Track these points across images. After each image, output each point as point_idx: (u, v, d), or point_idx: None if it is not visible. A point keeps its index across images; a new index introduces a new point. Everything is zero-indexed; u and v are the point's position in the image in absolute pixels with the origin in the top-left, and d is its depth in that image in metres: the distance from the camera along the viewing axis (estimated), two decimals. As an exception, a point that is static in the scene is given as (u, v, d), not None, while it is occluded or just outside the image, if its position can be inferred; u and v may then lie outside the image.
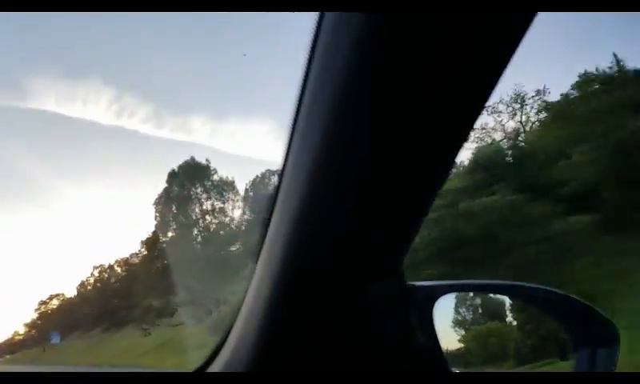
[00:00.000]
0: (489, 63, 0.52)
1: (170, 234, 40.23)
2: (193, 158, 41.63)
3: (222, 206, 41.33)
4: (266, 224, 0.80)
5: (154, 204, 41.37)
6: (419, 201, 0.66)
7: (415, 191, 0.64)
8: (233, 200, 41.25)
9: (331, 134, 0.59)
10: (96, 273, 76.65)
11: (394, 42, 0.50)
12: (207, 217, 40.32)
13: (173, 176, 41.20)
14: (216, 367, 0.97)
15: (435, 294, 0.88)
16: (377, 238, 0.69)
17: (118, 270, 71.18)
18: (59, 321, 67.97)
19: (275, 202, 0.76)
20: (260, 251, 0.84)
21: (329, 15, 0.56)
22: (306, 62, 0.62)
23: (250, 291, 0.87)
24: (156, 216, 42.04)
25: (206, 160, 42.67)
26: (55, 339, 40.20)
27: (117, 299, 50.06)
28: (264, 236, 0.81)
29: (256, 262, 0.86)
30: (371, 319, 0.76)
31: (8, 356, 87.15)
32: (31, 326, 78.90)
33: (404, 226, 0.69)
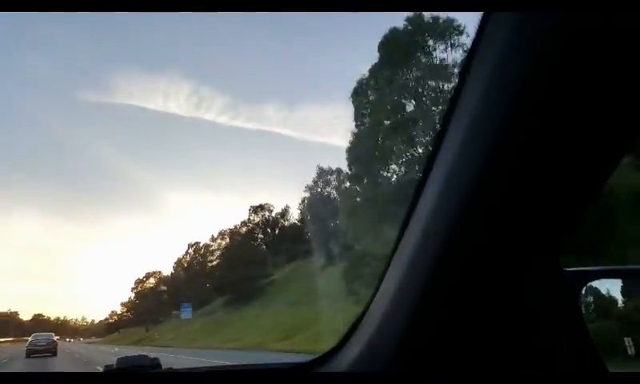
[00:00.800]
0: None
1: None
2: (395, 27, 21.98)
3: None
4: (407, 220, 0.80)
5: (351, 96, 23.23)
6: (586, 192, 0.66)
7: (582, 183, 0.64)
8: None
9: (506, 130, 0.60)
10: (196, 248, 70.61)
11: (578, 42, 0.52)
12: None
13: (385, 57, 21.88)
14: (342, 365, 0.94)
15: (584, 279, 0.83)
16: (537, 228, 0.68)
17: (222, 242, 62.59)
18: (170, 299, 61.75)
19: (419, 197, 0.76)
20: (397, 247, 0.82)
21: (500, 16, 0.58)
22: (466, 62, 0.65)
23: (389, 287, 0.83)
24: (355, 114, 23.05)
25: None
26: (186, 314, 29.80)
27: (240, 268, 40.16)
28: (402, 234, 0.81)
29: (391, 258, 0.85)
30: (522, 311, 0.74)
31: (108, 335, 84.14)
32: (135, 305, 74.09)
33: (567, 216, 0.68)
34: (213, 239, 68.54)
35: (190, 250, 77.86)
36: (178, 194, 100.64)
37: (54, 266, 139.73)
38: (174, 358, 19.27)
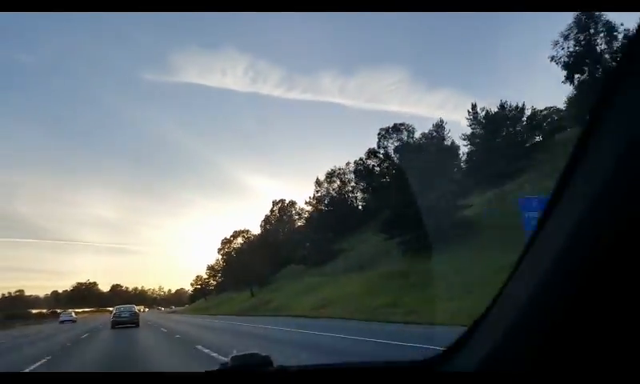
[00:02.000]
0: None
1: None
2: None
3: None
4: (543, 221, 0.77)
5: None
6: None
7: None
8: None
9: None
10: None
11: None
12: None
13: None
14: (469, 363, 0.92)
15: None
16: None
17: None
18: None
19: (559, 199, 0.73)
20: (530, 248, 0.81)
21: None
22: (626, 59, 0.62)
23: (522, 284, 0.81)
24: None
25: None
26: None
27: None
28: (536, 236, 0.79)
29: (524, 256, 0.83)
30: None
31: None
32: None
33: None
34: (318, 183, 56.51)
35: (275, 208, 68.49)
36: (239, 166, 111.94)
37: (130, 238, 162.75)
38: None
